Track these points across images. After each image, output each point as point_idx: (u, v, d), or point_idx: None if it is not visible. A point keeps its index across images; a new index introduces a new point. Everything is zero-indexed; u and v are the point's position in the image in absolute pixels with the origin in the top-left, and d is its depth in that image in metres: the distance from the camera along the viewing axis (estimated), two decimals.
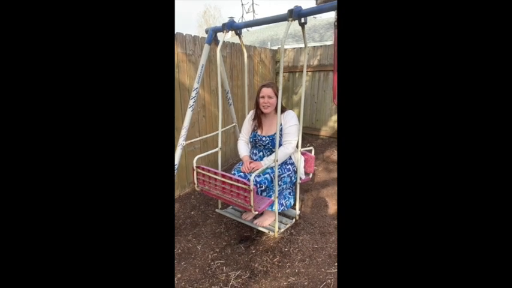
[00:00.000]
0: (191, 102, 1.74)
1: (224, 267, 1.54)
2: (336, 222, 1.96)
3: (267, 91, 1.72)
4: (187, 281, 1.45)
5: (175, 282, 1.44)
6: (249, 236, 1.82)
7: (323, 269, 1.51)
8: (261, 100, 1.75)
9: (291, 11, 1.34)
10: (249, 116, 1.91)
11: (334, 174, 2.79)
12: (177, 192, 2.44)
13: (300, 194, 1.93)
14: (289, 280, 1.44)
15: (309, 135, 4.02)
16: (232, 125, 2.20)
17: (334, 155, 3.30)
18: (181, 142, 1.73)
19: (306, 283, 1.42)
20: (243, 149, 1.88)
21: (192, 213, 2.14)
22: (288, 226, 1.80)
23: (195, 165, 1.69)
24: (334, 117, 3.77)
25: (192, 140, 2.01)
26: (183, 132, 1.74)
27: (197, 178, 1.71)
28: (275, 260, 1.60)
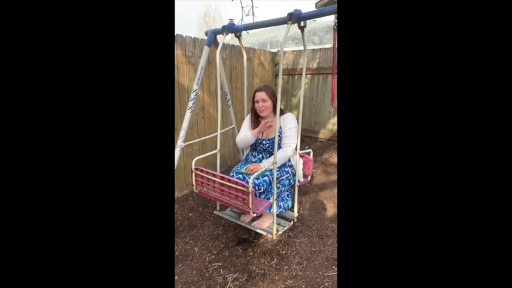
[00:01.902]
0: (190, 104, 1.74)
1: (221, 270, 1.54)
2: (333, 225, 1.96)
3: (260, 95, 1.72)
4: (184, 283, 1.44)
5: None
6: (247, 238, 1.81)
7: (320, 272, 1.51)
8: (256, 105, 1.75)
9: (290, 15, 1.35)
10: (248, 118, 1.91)
11: (333, 177, 2.79)
12: (175, 194, 2.44)
13: (298, 196, 1.93)
14: (286, 283, 1.44)
15: (307, 138, 4.03)
16: (231, 126, 2.20)
17: (332, 158, 3.30)
18: (180, 144, 1.73)
19: (303, 286, 1.41)
20: (246, 132, 1.79)
21: (190, 215, 2.14)
22: (286, 228, 1.80)
23: (193, 166, 1.68)
24: (333, 120, 3.77)
25: (191, 142, 2.00)
26: (182, 134, 1.74)
27: (196, 180, 1.71)
28: (273, 262, 1.59)
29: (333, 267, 1.54)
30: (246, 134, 1.79)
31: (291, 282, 1.44)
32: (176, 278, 1.48)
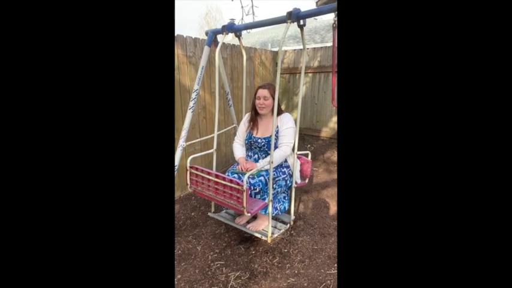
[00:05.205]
0: (191, 104, 1.75)
1: (224, 268, 1.55)
2: (335, 223, 1.96)
3: (262, 92, 1.73)
4: (187, 281, 1.45)
5: (175, 283, 1.45)
6: (249, 237, 1.82)
7: (322, 270, 1.51)
8: (257, 101, 1.75)
9: (289, 13, 1.35)
10: (245, 118, 1.91)
11: (335, 175, 2.79)
12: (178, 194, 2.45)
13: (299, 195, 1.92)
14: (288, 281, 1.44)
15: (309, 136, 4.03)
16: (232, 126, 2.21)
17: (334, 156, 3.30)
18: (181, 143, 1.74)
19: (305, 284, 1.42)
20: (239, 150, 1.87)
21: (193, 214, 2.15)
22: (281, 231, 1.75)
23: (188, 165, 1.67)
24: (335, 119, 3.77)
25: (193, 141, 2.02)
26: (183, 134, 1.74)
27: (190, 178, 1.68)
28: (275, 260, 1.60)
29: (335, 265, 1.54)
30: (238, 150, 1.87)
31: (293, 280, 1.45)
32: (179, 276, 1.49)
